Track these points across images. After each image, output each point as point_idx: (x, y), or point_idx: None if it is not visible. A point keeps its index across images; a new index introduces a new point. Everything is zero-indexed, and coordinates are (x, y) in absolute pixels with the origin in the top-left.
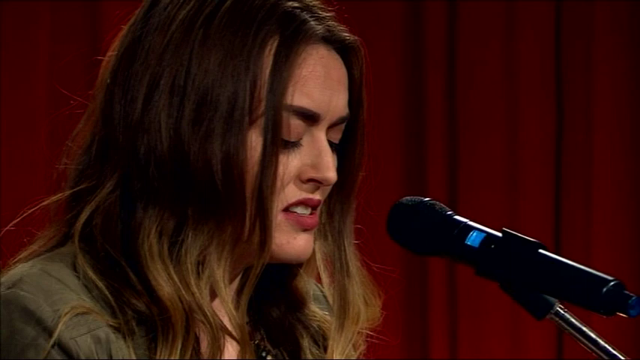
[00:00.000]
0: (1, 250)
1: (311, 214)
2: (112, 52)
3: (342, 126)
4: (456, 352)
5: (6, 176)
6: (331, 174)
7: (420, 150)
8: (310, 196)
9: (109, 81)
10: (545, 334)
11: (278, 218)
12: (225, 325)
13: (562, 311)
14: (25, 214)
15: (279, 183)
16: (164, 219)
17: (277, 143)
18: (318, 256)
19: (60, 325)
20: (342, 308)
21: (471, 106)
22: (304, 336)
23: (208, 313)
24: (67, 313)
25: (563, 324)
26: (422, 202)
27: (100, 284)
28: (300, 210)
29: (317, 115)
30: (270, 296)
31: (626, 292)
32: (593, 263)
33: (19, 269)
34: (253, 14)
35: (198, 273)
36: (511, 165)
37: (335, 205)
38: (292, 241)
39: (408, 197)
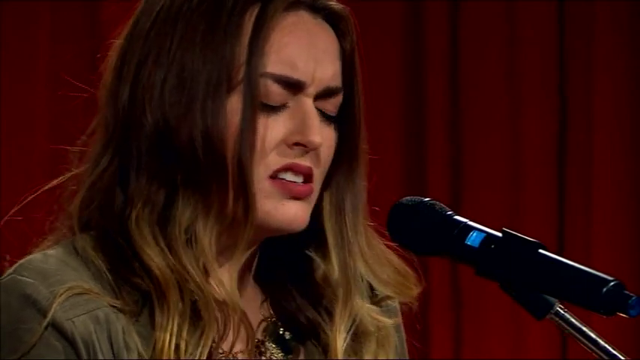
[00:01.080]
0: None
1: (304, 182)
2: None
3: (337, 98)
4: (457, 352)
5: (6, 176)
6: (316, 137)
7: (421, 150)
8: (296, 161)
9: (109, 69)
10: (546, 335)
11: (265, 184)
12: (216, 294)
13: (562, 311)
14: (27, 200)
15: (260, 147)
16: (153, 190)
17: (255, 108)
18: (329, 235)
19: (54, 306)
20: (343, 285)
21: (473, 106)
22: (326, 318)
23: (199, 281)
24: (62, 294)
25: (563, 324)
26: (422, 202)
27: (100, 264)
28: (289, 177)
29: (300, 83)
30: (293, 291)
31: (626, 292)
32: (593, 263)
33: (29, 257)
34: None
35: (188, 243)
36: (513, 165)
37: (336, 180)
38: (280, 207)
39: (408, 197)
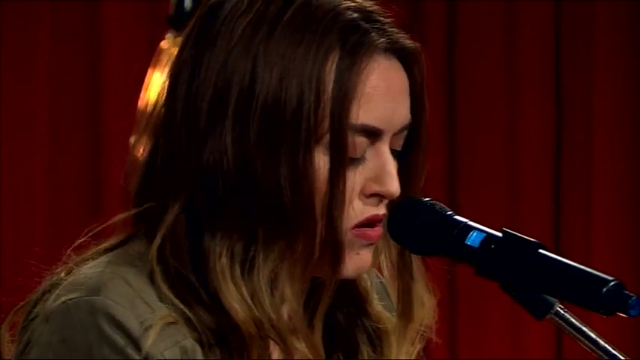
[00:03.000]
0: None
1: (375, 226)
2: (168, 71)
3: (405, 133)
4: (456, 352)
5: (6, 176)
6: (394, 188)
7: None
8: (376, 211)
9: (167, 96)
10: (545, 335)
11: (348, 236)
12: (299, 346)
13: (562, 311)
14: (92, 232)
15: (346, 201)
16: (233, 240)
17: (344, 162)
18: (382, 257)
19: (150, 337)
20: (406, 311)
21: (471, 106)
22: (363, 339)
23: (283, 333)
24: (157, 324)
25: (563, 324)
26: (422, 202)
27: (175, 300)
28: (366, 225)
29: (380, 131)
30: (334, 300)
31: (626, 292)
32: (593, 263)
33: (97, 272)
34: (314, 27)
35: (271, 292)
36: (511, 165)
37: None
38: (355, 257)
39: (408, 197)
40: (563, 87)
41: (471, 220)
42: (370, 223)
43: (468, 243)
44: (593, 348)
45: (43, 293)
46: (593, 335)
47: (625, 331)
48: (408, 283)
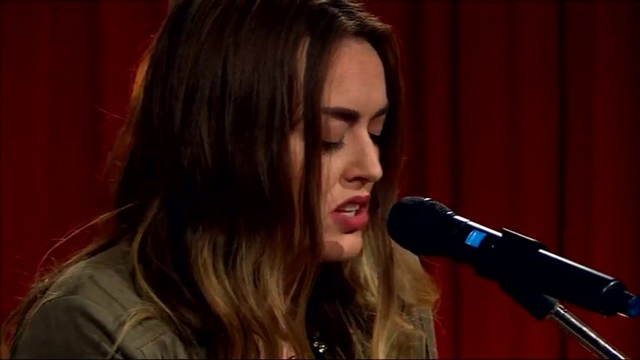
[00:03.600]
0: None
1: (358, 212)
2: (143, 67)
3: (383, 117)
4: (456, 352)
5: (6, 176)
6: (376, 170)
7: (421, 150)
8: (357, 193)
9: (144, 95)
10: (546, 334)
11: (328, 220)
12: (284, 335)
13: (562, 311)
14: (72, 234)
15: (324, 185)
16: (215, 233)
17: (319, 146)
18: (364, 245)
19: (124, 331)
20: (387, 295)
21: (473, 106)
22: (356, 328)
23: (266, 326)
24: (131, 318)
25: (563, 324)
26: (422, 202)
27: (155, 298)
28: (348, 208)
29: (356, 113)
30: (322, 289)
31: (626, 292)
32: (593, 263)
33: (76, 272)
34: (281, 15)
35: (254, 283)
36: (513, 165)
37: (379, 195)
38: (340, 241)
39: (408, 197)
40: (564, 87)
41: (471, 220)
42: (352, 205)
43: (468, 243)
44: (594, 348)
45: (32, 300)
46: (593, 335)
47: (625, 331)
48: (389, 266)
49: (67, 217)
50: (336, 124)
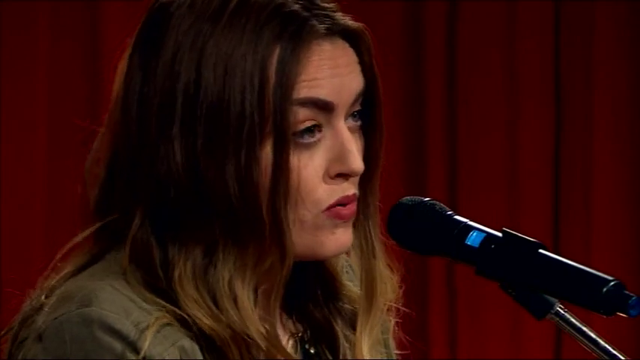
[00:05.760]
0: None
1: (347, 204)
2: (119, 74)
3: (360, 101)
4: (455, 352)
5: (6, 176)
6: (357, 164)
7: (420, 150)
8: (345, 193)
9: (121, 104)
10: (544, 334)
11: (321, 219)
12: (261, 346)
13: (562, 311)
14: (62, 253)
15: (305, 186)
16: (191, 247)
17: (286, 150)
18: (356, 240)
19: (148, 339)
20: (370, 289)
21: (471, 107)
22: (340, 324)
23: (246, 338)
24: (152, 325)
25: (563, 324)
26: (422, 202)
27: (163, 302)
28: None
29: (331, 104)
30: (306, 284)
31: (626, 292)
32: (593, 263)
33: (78, 286)
34: (253, 23)
35: (232, 296)
36: (511, 165)
37: (360, 188)
38: (332, 237)
39: (408, 197)
40: (562, 87)
41: (471, 220)
42: (341, 205)
43: (468, 243)
44: (593, 348)
45: (26, 318)
46: (593, 335)
47: (625, 331)
48: (370, 261)
49: (67, 218)
50: (306, 113)
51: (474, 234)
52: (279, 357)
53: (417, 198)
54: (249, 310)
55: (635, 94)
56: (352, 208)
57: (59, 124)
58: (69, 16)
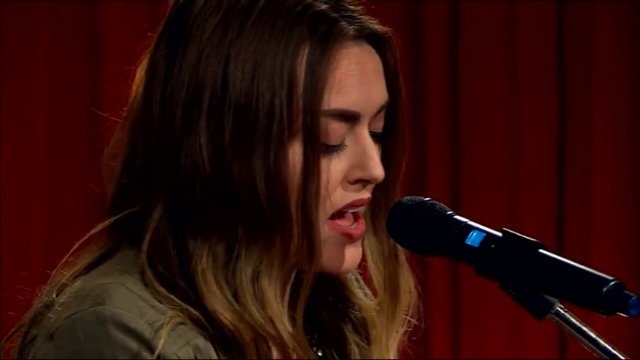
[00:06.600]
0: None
1: (356, 221)
2: (142, 67)
3: (383, 113)
4: (456, 352)
5: (6, 176)
6: (379, 171)
7: (421, 150)
8: (359, 196)
9: (142, 98)
10: (546, 334)
11: (324, 228)
12: (284, 342)
13: (562, 311)
14: (76, 245)
15: (324, 190)
16: (214, 242)
17: (317, 152)
18: (367, 247)
19: (162, 337)
20: (394, 297)
21: (473, 106)
22: (349, 329)
23: (269, 334)
24: (167, 324)
25: (563, 324)
26: (422, 202)
27: (178, 301)
28: (349, 211)
29: (357, 114)
30: (318, 290)
31: (626, 292)
32: (593, 263)
33: (92, 283)
34: (282, 22)
35: (254, 292)
36: (512, 165)
37: (380, 195)
38: (341, 253)
39: (408, 197)
40: (564, 87)
41: (471, 220)
42: (353, 207)
43: (468, 243)
44: (593, 348)
45: (37, 315)
46: (593, 335)
47: (625, 331)
48: (395, 268)
49: (67, 218)
50: (336, 127)
51: (474, 234)
52: (304, 356)
53: (417, 198)
54: (276, 307)
55: (635, 94)
56: (362, 227)
57: (59, 124)
58: (69, 16)
